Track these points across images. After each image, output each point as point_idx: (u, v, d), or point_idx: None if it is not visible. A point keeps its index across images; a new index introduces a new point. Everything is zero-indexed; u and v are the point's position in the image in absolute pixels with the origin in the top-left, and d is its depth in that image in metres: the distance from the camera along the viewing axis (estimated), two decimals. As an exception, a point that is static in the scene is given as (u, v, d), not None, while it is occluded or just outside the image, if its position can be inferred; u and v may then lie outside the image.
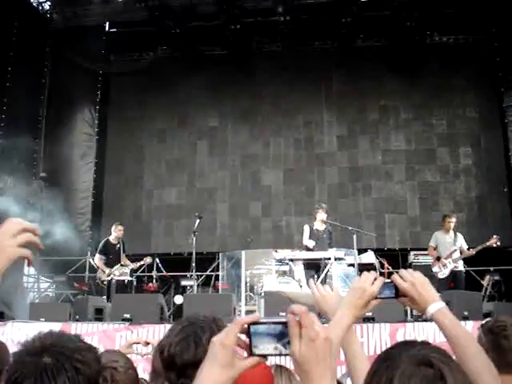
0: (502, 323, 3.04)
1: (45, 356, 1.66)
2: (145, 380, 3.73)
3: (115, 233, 11.46)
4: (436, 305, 1.97)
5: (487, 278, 12.67)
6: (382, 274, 11.03)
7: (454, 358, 1.51)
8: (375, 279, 2.06)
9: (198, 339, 2.02)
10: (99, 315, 9.23)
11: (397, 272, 2.16)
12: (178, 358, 2.02)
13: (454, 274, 10.41)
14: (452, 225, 10.75)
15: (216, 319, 2.12)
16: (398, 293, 2.02)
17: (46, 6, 15.12)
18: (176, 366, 2.03)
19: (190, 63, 14.55)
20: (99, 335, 8.31)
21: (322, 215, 10.59)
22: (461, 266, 10.66)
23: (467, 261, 11.13)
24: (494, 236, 10.48)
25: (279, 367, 3.74)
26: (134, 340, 3.75)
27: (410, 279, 2.01)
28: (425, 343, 1.51)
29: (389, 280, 2.06)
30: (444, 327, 1.93)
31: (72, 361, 1.67)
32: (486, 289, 12.44)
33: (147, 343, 3.65)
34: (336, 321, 2.03)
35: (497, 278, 12.73)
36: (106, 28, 16.27)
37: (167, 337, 2.10)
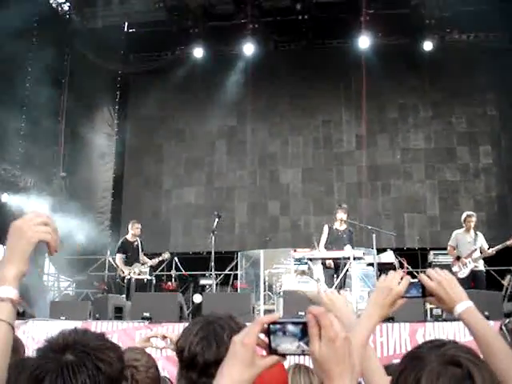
0: None
1: (67, 353, 1.67)
2: (168, 378, 3.76)
3: (132, 231, 11.52)
4: (464, 304, 1.96)
5: (508, 277, 12.56)
6: (407, 274, 10.96)
7: (481, 357, 1.50)
8: (402, 278, 2.04)
9: (219, 338, 2.00)
10: (119, 314, 9.27)
11: (416, 272, 2.15)
12: (199, 357, 2.00)
13: (474, 273, 10.32)
14: (473, 224, 10.66)
15: (233, 317, 2.11)
16: (425, 292, 2.01)
17: (66, 6, 15.20)
18: (198, 365, 2.01)
19: (208, 63, 14.57)
20: (119, 333, 8.35)
21: (341, 215, 10.55)
22: (481, 266, 10.57)
23: (487, 260, 11.04)
24: (515, 235, 10.39)
25: (298, 366, 3.75)
26: (152, 334, 3.77)
27: (437, 278, 2.00)
28: (452, 342, 1.50)
29: (415, 279, 2.05)
30: (472, 326, 1.91)
31: (94, 359, 1.67)
32: (507, 288, 12.33)
33: (164, 337, 3.67)
34: (362, 320, 2.01)
35: (517, 277, 12.63)
36: (125, 28, 16.35)
37: (186, 336, 2.08)
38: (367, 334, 1.98)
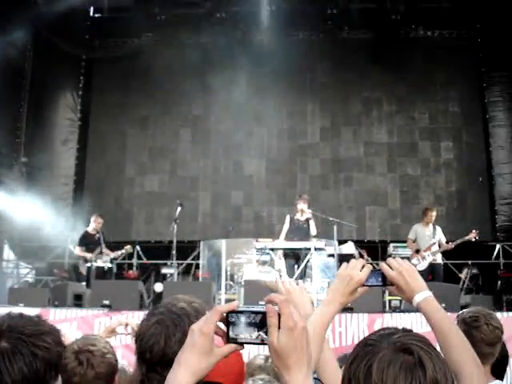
0: (474, 314, 3.09)
1: (2, 341, 1.64)
2: (126, 366, 3.75)
3: (94, 224, 11.44)
4: (423, 293, 1.98)
5: (465, 271, 12.83)
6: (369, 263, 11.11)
7: (436, 346, 1.52)
8: (363, 267, 2.05)
9: (168, 336, 1.96)
10: (78, 301, 9.21)
11: (376, 264, 2.18)
12: (147, 353, 1.97)
13: (432, 266, 10.53)
14: (433, 218, 10.86)
15: (193, 305, 2.07)
16: (386, 281, 2.02)
17: (30, -12, 14.91)
18: (146, 360, 1.99)
19: (174, 51, 14.41)
20: (78, 321, 8.29)
21: (301, 205, 10.68)
22: (439, 259, 10.78)
23: (446, 254, 11.27)
24: (474, 230, 10.62)
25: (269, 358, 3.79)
26: (116, 324, 3.77)
27: (397, 268, 2.01)
28: (406, 330, 1.51)
29: (377, 268, 2.06)
30: (429, 316, 1.94)
31: (29, 346, 1.65)
32: (464, 282, 12.59)
33: (127, 324, 3.67)
34: (322, 307, 2.02)
35: (475, 271, 12.89)
36: (91, 13, 16.10)
37: (142, 327, 2.05)
38: (326, 321, 1.99)
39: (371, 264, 2.10)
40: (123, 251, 11.52)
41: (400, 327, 1.54)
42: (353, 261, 2.09)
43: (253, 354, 3.79)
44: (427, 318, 1.94)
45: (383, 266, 2.03)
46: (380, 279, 2.02)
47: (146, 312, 2.15)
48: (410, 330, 1.53)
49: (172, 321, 1.99)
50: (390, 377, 1.38)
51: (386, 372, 1.38)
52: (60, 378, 1.81)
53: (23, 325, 1.70)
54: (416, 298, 1.97)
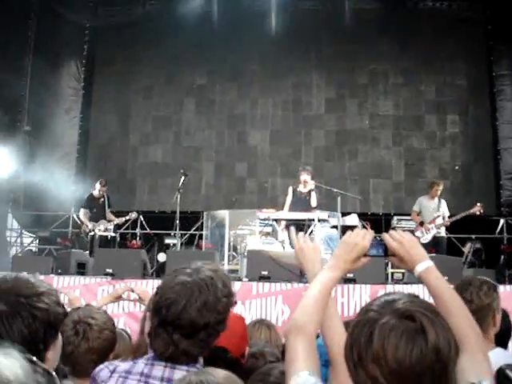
0: (465, 285, 3.07)
1: (0, 303, 1.63)
2: (126, 332, 3.76)
3: (99, 186, 11.45)
4: (424, 263, 1.98)
5: (468, 245, 12.82)
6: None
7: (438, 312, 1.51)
8: (366, 235, 2.07)
9: (189, 301, 1.97)
10: (82, 269, 9.25)
11: (379, 236, 2.18)
12: (163, 309, 1.99)
13: (436, 239, 10.54)
14: (439, 192, 10.85)
15: (220, 282, 2.06)
16: (387, 252, 2.05)
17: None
18: (160, 315, 2.00)
19: (179, 19, 14.26)
20: (81, 289, 8.34)
21: (304, 176, 10.66)
22: (443, 232, 10.79)
23: (449, 228, 11.25)
24: (478, 204, 10.59)
25: (258, 322, 3.80)
26: (123, 289, 3.78)
27: (398, 239, 2.03)
28: (408, 296, 1.52)
29: (379, 239, 2.09)
30: (430, 285, 1.94)
31: (28, 307, 1.65)
32: (467, 256, 12.59)
33: (132, 290, 3.69)
34: (325, 272, 2.02)
35: (478, 246, 12.89)
36: (95, -19, 15.91)
37: (164, 282, 2.07)
38: (329, 286, 1.98)
39: (374, 237, 2.12)
40: (128, 217, 11.53)
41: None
42: (357, 229, 2.12)
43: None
44: (428, 287, 1.96)
45: (385, 236, 2.06)
46: (382, 250, 2.06)
47: (149, 281, 2.15)
48: (417, 296, 1.52)
49: (198, 287, 2.00)
50: (391, 343, 1.39)
51: (388, 339, 1.40)
52: (60, 337, 1.79)
53: (20, 287, 1.70)
54: (417, 268, 1.98)
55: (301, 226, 10.05)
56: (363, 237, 2.05)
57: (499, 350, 3.01)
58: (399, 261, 2.04)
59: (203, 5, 14.86)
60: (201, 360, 2.07)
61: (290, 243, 10.08)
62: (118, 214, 11.78)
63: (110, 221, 11.37)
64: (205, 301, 1.97)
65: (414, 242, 2.03)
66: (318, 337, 1.95)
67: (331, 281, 1.99)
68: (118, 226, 12.05)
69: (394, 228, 12.49)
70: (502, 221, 13.72)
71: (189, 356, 2.00)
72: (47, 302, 1.69)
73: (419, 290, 7.23)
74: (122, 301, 3.82)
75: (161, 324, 2.00)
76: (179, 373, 1.95)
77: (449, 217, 10.69)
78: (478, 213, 10.53)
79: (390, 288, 7.85)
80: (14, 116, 14.30)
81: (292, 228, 9.85)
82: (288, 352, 1.82)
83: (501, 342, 3.16)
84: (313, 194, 10.58)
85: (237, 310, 5.01)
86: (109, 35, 15.81)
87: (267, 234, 11.10)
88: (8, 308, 1.62)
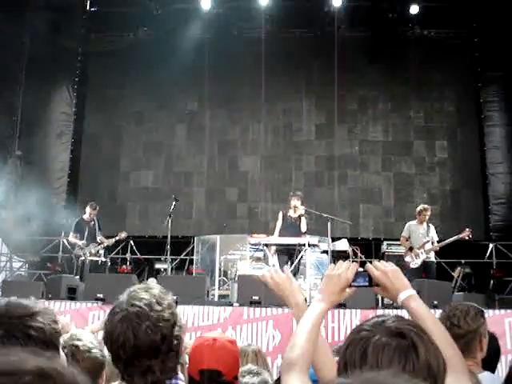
0: (452, 310, 3.12)
1: None
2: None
3: (89, 210, 11.43)
4: (406, 292, 2.03)
5: (458, 269, 12.86)
6: (354, 262, 11.15)
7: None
8: (349, 267, 2.13)
9: (135, 329, 1.93)
10: (72, 294, 9.20)
11: (370, 261, 2.23)
12: (121, 351, 1.95)
13: (425, 264, 10.56)
14: (427, 217, 10.91)
15: (154, 299, 2.03)
16: (372, 281, 2.10)
17: (27, -18, 14.86)
18: (121, 359, 1.96)
19: (170, 46, 14.43)
20: (72, 314, 8.30)
21: (294, 202, 10.70)
22: (433, 257, 10.82)
23: (439, 253, 11.30)
24: (467, 229, 10.64)
25: (244, 351, 3.86)
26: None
27: (382, 269, 2.08)
28: (398, 317, 1.58)
29: (362, 269, 2.14)
30: (413, 312, 1.99)
31: (21, 327, 1.66)
32: (457, 280, 12.63)
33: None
34: (313, 304, 2.07)
35: (468, 270, 12.93)
36: (87, 6, 16.05)
37: (106, 329, 2.02)
38: (318, 318, 2.04)
39: (364, 262, 2.19)
40: (117, 237, 11.50)
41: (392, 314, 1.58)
42: (340, 262, 2.17)
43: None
44: (410, 312, 2.00)
45: (369, 266, 2.10)
46: (366, 279, 2.11)
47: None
48: (402, 317, 1.59)
49: (135, 313, 1.96)
50: (385, 360, 1.44)
51: (381, 355, 1.44)
52: (64, 355, 1.81)
53: (13, 309, 1.71)
54: (400, 296, 2.02)
55: (291, 251, 10.07)
56: (346, 269, 2.10)
57: (487, 373, 3.04)
58: (383, 290, 2.09)
59: (195, 32, 15.03)
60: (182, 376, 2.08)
61: (280, 268, 10.09)
62: (108, 239, 11.76)
63: (101, 243, 11.35)
64: (147, 319, 1.94)
65: (397, 273, 2.08)
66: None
67: (320, 313, 2.04)
68: (108, 251, 12.01)
69: (383, 253, 12.56)
70: (491, 245, 13.80)
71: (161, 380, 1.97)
72: (42, 321, 1.70)
73: (409, 316, 7.28)
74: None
75: (127, 364, 1.96)
76: None
77: (438, 241, 10.74)
78: (467, 238, 10.58)
79: (380, 313, 7.87)
80: (5, 140, 14.31)
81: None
82: None
83: (489, 365, 3.19)
84: (303, 219, 10.63)
85: (228, 334, 5.02)
86: (101, 61, 15.91)
87: (258, 259, 11.11)
88: (2, 331, 1.64)
